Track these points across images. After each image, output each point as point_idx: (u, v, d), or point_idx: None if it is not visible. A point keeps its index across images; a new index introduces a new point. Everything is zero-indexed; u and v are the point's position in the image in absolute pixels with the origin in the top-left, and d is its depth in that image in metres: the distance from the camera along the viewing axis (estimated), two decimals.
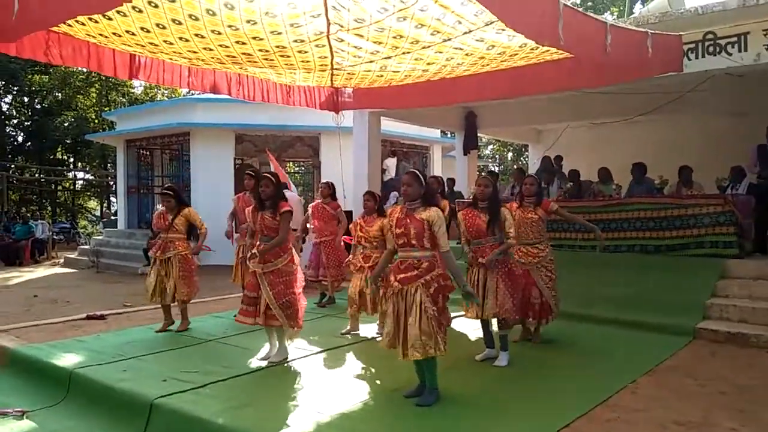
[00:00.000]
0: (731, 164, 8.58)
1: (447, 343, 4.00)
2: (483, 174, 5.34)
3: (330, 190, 7.55)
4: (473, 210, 5.07)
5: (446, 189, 11.20)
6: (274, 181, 5.00)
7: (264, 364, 5.00)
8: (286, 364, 5.02)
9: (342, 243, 7.53)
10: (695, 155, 9.65)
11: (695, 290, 6.63)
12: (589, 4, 28.82)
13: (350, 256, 6.36)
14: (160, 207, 6.33)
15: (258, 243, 5.06)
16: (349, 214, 9.01)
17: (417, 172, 4.19)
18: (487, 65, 5.98)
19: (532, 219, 5.50)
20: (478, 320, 5.21)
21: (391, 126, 13.38)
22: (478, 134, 13.01)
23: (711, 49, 6.83)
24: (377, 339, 5.91)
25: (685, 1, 8.71)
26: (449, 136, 17.59)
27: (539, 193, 5.66)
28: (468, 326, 6.26)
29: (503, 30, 4.72)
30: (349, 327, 6.20)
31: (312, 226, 7.57)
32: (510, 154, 32.78)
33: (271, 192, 4.96)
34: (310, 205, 7.69)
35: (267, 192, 4.97)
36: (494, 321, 5.17)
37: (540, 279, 5.50)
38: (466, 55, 5.56)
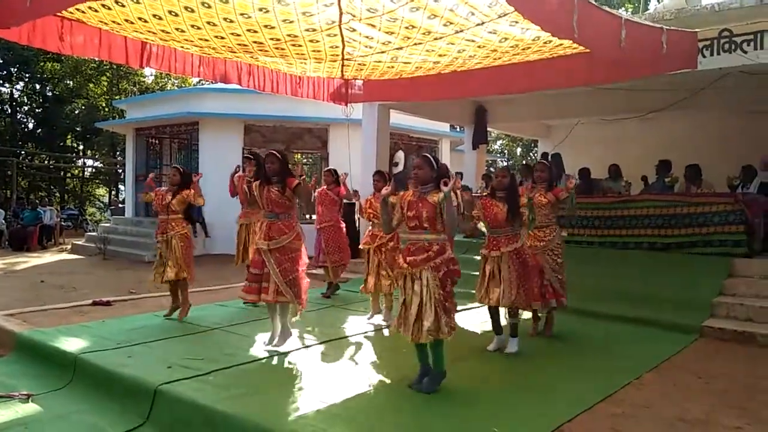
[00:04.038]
0: (743, 163, 8.51)
1: (455, 328, 4.02)
2: (501, 165, 5.39)
3: (333, 177, 7.70)
4: (491, 199, 5.09)
5: None
6: (280, 157, 5.03)
7: (268, 351, 5.02)
8: (290, 354, 5.02)
9: (344, 228, 7.64)
10: (708, 153, 9.58)
11: (703, 288, 6.61)
12: None
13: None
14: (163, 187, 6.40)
15: (262, 220, 5.09)
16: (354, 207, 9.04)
17: (428, 155, 4.20)
18: (500, 58, 5.93)
19: (541, 202, 5.50)
20: (485, 310, 5.26)
21: (400, 119, 13.34)
22: (488, 129, 12.95)
23: (726, 46, 6.75)
24: (383, 327, 5.95)
25: None
26: (458, 130, 17.53)
27: (550, 179, 5.67)
28: (474, 318, 6.26)
29: (516, 22, 4.68)
30: (371, 312, 6.31)
31: (316, 213, 7.69)
32: (519, 150, 32.68)
33: (277, 168, 4.98)
34: (317, 191, 7.74)
35: (274, 168, 4.98)
36: (502, 310, 5.20)
37: (546, 263, 5.50)
38: (479, 47, 5.52)
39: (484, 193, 5.67)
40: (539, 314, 5.79)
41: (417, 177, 4.10)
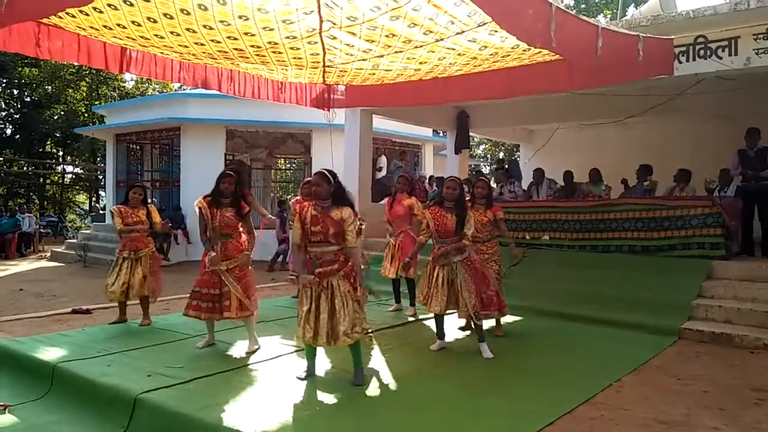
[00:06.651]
0: (720, 167, 8.64)
1: (367, 330, 4.33)
2: (451, 176, 5.54)
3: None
4: (441, 209, 5.19)
5: (432, 187, 11.27)
6: (236, 179, 5.19)
7: (247, 358, 5.03)
8: (270, 361, 5.00)
9: None
10: (685, 157, 9.71)
11: (681, 291, 6.68)
12: (582, 6, 28.90)
13: None
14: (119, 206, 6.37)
15: (215, 241, 5.11)
16: None
17: (325, 171, 4.33)
18: (480, 65, 5.98)
19: (482, 221, 5.68)
20: (455, 315, 5.38)
21: (382, 124, 13.37)
22: (470, 134, 13.03)
23: (702, 52, 6.88)
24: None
25: (677, 5, 8.77)
26: (441, 135, 17.60)
27: (489, 196, 5.85)
28: (448, 324, 6.27)
29: (496, 31, 4.72)
30: None
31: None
32: (502, 154, 32.81)
33: (233, 190, 5.13)
34: (292, 201, 7.71)
35: (230, 189, 5.12)
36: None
37: (489, 273, 5.64)
38: (459, 55, 5.56)
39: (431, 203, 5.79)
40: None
41: (317, 194, 4.25)
